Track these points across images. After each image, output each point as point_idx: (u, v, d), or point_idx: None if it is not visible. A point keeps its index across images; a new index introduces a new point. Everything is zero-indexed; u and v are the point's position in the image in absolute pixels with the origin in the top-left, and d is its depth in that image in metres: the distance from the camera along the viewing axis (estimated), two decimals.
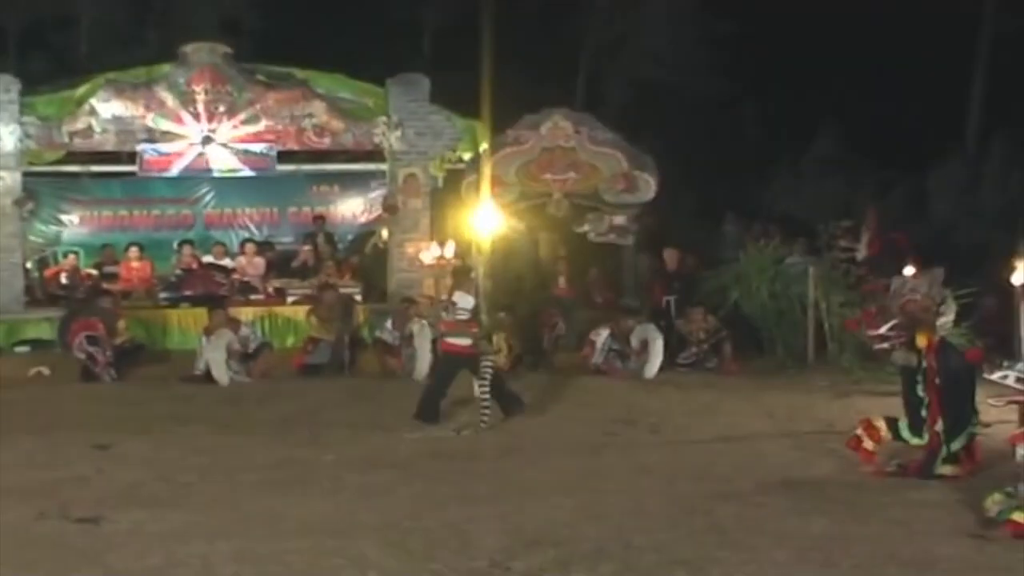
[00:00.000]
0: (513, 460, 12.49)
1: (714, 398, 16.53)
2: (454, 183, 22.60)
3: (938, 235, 25.31)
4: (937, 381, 11.68)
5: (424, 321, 18.58)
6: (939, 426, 11.62)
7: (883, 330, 12.41)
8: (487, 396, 14.47)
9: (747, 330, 19.92)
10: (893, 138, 29.14)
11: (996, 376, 10.22)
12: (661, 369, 18.37)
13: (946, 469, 11.55)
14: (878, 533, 9.60)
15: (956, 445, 11.57)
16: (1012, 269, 13.54)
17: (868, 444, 12.05)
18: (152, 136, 21.98)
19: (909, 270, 16.14)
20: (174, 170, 22.54)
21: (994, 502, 9.88)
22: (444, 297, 15.38)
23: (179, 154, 22.31)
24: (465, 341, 14.97)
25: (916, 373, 11.90)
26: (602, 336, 18.87)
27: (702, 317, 19.43)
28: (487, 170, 21.58)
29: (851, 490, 11.07)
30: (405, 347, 18.66)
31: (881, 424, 12.14)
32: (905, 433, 12.03)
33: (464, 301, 15.08)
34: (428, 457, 12.70)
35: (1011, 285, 13.62)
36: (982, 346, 16.39)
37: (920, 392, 11.85)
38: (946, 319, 11.88)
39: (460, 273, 16.08)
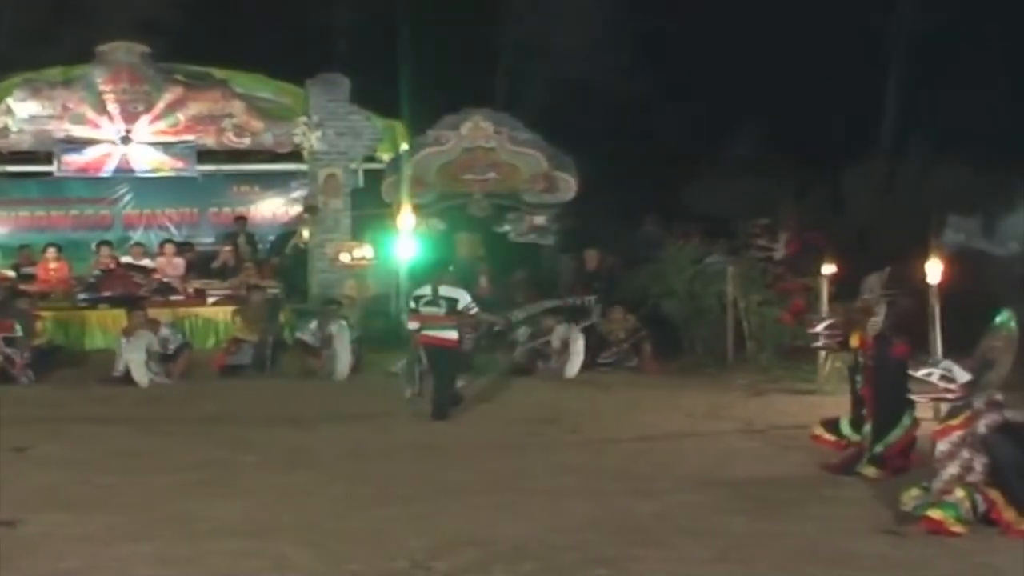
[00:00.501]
0: (434, 460, 12.48)
1: (634, 397, 16.58)
2: (374, 184, 22.54)
3: (856, 235, 25.50)
4: (871, 379, 11.80)
5: (343, 322, 18.52)
6: (867, 427, 11.74)
7: (819, 328, 12.55)
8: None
9: (667, 329, 19.97)
10: (811, 138, 29.32)
11: (921, 373, 10.29)
12: (582, 368, 18.39)
13: (868, 471, 11.65)
14: (796, 530, 9.67)
15: (880, 448, 11.67)
16: (928, 270, 13.67)
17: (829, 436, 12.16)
18: (69, 136, 21.79)
19: (827, 269, 16.33)
20: (91, 170, 22.35)
21: (911, 497, 9.98)
22: (426, 292, 15.33)
23: (97, 154, 22.13)
24: (450, 334, 15.02)
25: (855, 372, 12.04)
26: (524, 336, 18.91)
27: (622, 317, 19.49)
28: (407, 170, 21.60)
29: (770, 488, 11.15)
30: (325, 348, 18.59)
31: (822, 432, 12.19)
32: (846, 429, 12.12)
33: (455, 294, 15.19)
34: (349, 457, 12.66)
35: (927, 285, 13.76)
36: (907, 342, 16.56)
37: (859, 391, 11.97)
38: (877, 318, 11.97)
39: (439, 268, 16.20)
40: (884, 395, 11.71)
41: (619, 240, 25.41)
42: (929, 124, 28.64)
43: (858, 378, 12.01)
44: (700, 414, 15.25)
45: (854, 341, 11.99)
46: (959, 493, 9.60)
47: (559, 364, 18.57)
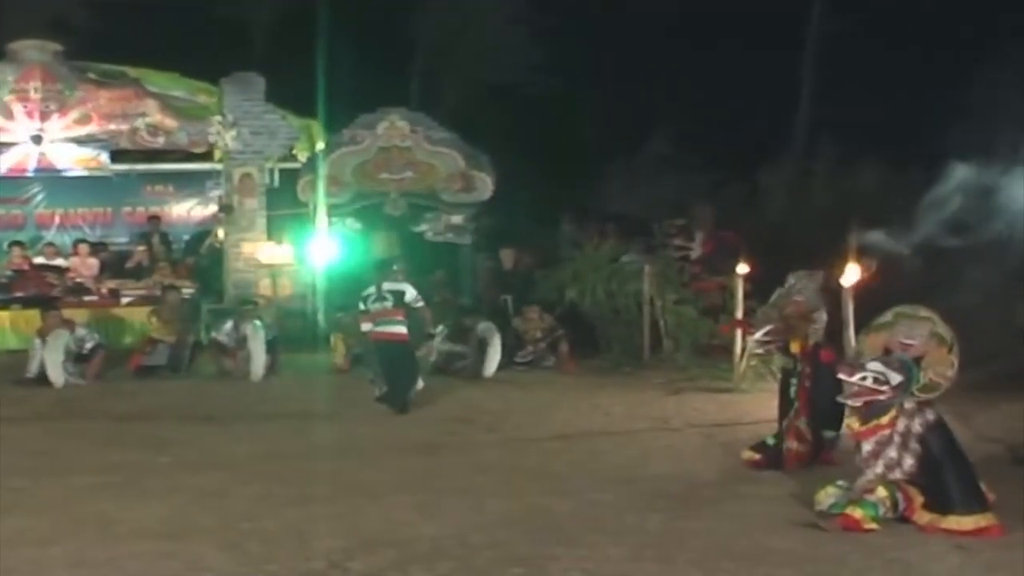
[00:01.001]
0: (351, 460, 12.43)
1: (551, 396, 16.60)
2: (290, 183, 22.45)
3: (770, 234, 25.68)
4: (807, 385, 11.88)
5: (258, 322, 18.43)
6: (801, 422, 11.83)
7: (759, 335, 12.53)
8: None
9: (584, 328, 20.03)
10: (727, 137, 29.49)
11: (856, 378, 10.39)
12: (499, 368, 18.41)
13: (750, 455, 11.98)
14: (712, 528, 9.73)
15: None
16: (842, 270, 13.79)
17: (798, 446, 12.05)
18: None
19: (742, 268, 16.45)
20: (2, 168, 22.10)
21: (827, 495, 10.07)
22: (371, 291, 15.50)
23: (8, 153, 21.88)
24: (399, 329, 15.27)
25: (791, 376, 12.07)
26: (440, 335, 18.89)
27: (538, 316, 19.49)
28: (323, 170, 21.54)
29: (685, 486, 11.20)
30: (240, 348, 18.48)
31: (751, 454, 12.22)
32: (770, 437, 12.19)
33: (400, 287, 15.64)
34: (266, 458, 12.60)
35: (840, 286, 13.89)
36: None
37: (792, 395, 12.01)
38: (818, 326, 12.03)
39: (384, 267, 16.68)
40: (823, 401, 11.79)
41: (536, 239, 25.45)
42: (841, 124, 28.90)
43: (793, 381, 12.05)
44: (617, 413, 15.30)
45: (793, 347, 12.02)
46: (881, 492, 9.70)
47: (476, 363, 18.56)
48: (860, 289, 13.15)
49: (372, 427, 14.37)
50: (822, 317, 12.07)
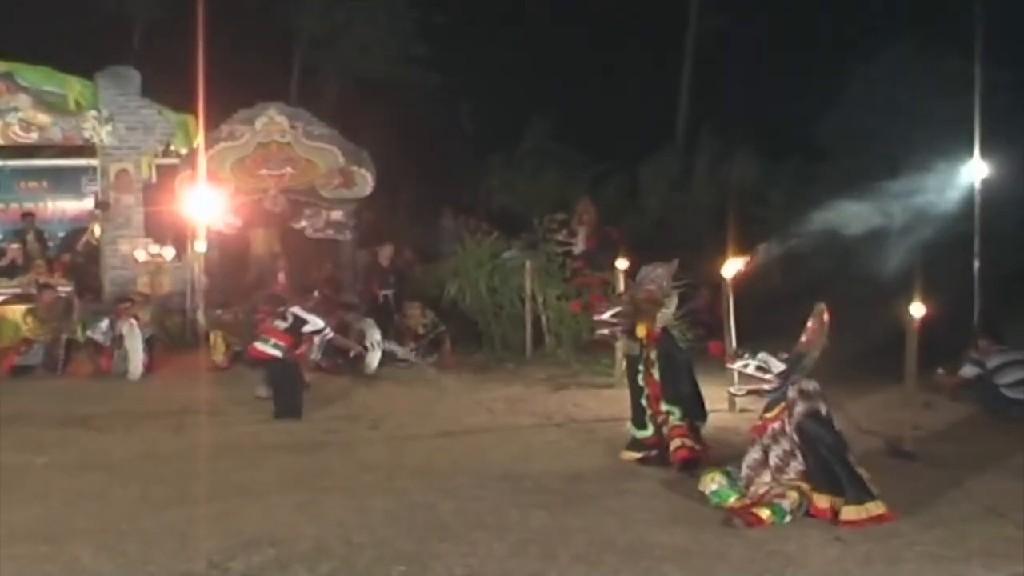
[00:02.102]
0: (231, 460, 12.35)
1: (434, 393, 16.60)
2: (168, 179, 22.22)
3: (652, 229, 25.90)
4: (655, 372, 11.99)
5: (133, 321, 18.21)
6: (663, 406, 11.93)
7: (606, 316, 12.58)
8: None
9: (466, 324, 20.06)
10: (606, 131, 29.67)
11: (737, 365, 10.52)
12: (381, 364, 18.36)
13: (628, 455, 12.10)
14: (595, 524, 9.81)
15: (639, 432, 11.99)
16: (722, 262, 13.97)
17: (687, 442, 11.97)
18: None
19: (622, 263, 16.56)
20: None
21: (712, 480, 10.19)
22: (281, 308, 15.61)
23: None
24: (272, 351, 15.23)
25: (638, 362, 12.20)
26: (321, 332, 18.77)
27: (420, 312, 19.45)
28: (201, 165, 21.31)
29: (568, 482, 11.28)
30: (116, 347, 18.25)
31: (629, 453, 12.27)
32: (631, 429, 12.30)
33: (312, 321, 15.58)
34: (144, 459, 12.47)
35: (722, 278, 14.06)
36: (694, 337, 16.92)
37: (640, 382, 12.15)
38: (667, 311, 12.16)
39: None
40: (674, 384, 11.94)
41: (416, 235, 25.47)
42: (720, 118, 29.22)
43: (639, 368, 12.19)
44: (500, 409, 15.35)
45: (640, 331, 12.12)
46: (793, 496, 9.83)
47: (357, 360, 18.48)
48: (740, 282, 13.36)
49: (253, 426, 14.28)
50: (672, 302, 12.23)
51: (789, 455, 10.06)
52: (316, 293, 16.68)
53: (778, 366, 10.21)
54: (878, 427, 13.27)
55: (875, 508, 9.73)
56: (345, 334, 18.65)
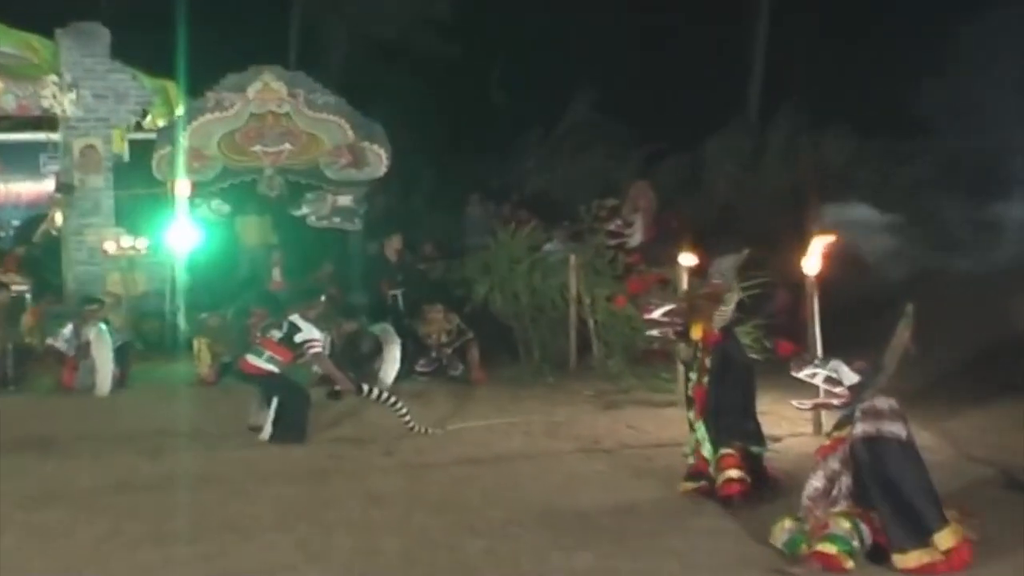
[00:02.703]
0: (218, 490, 12.30)
1: (459, 412, 16.54)
2: (143, 157, 22.24)
3: (718, 216, 25.78)
4: (706, 381, 11.89)
5: (104, 326, 18.19)
6: (699, 432, 11.86)
7: (656, 314, 12.46)
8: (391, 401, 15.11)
9: (498, 331, 20.00)
10: (663, 103, 29.56)
11: (804, 374, 10.42)
12: (397, 378, 18.31)
13: (687, 486, 11.94)
14: (651, 567, 9.74)
15: (712, 457, 11.82)
16: (802, 256, 13.82)
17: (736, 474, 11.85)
18: None
19: (686, 258, 16.42)
20: None
21: (783, 529, 10.06)
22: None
23: None
24: (267, 365, 15.09)
25: (689, 369, 12.12)
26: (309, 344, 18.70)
27: (443, 316, 19.36)
28: (184, 141, 21.33)
29: (621, 518, 11.19)
30: (81, 357, 18.23)
31: (689, 484, 12.15)
32: (685, 449, 12.20)
33: (307, 330, 15.20)
34: (114, 489, 12.43)
35: (804, 275, 13.93)
36: (772, 346, 16.78)
37: (689, 392, 12.08)
38: (726, 308, 12.02)
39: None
40: (725, 399, 11.84)
41: (438, 225, 25.42)
42: (801, 87, 29.07)
43: (691, 376, 12.10)
44: (538, 432, 15.26)
45: (695, 332, 12.03)
46: (843, 524, 9.70)
47: (368, 372, 18.44)
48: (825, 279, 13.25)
49: (244, 451, 14.23)
50: (732, 299, 12.08)
51: (845, 485, 9.95)
52: (323, 298, 16.61)
53: (851, 378, 10.10)
54: (990, 452, 13.13)
55: (924, 556, 9.58)
56: (352, 343, 18.63)
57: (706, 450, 11.85)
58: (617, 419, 15.87)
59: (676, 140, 28.32)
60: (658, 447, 14.05)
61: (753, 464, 11.83)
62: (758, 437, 12.00)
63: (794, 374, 10.36)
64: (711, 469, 11.77)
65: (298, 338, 15.18)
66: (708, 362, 11.93)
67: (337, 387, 16.33)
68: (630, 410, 16.40)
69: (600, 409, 16.62)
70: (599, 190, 22.33)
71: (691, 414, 12.10)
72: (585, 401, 17.17)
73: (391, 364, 18.29)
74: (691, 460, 12.09)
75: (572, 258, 19.54)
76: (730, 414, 11.81)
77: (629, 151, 28.97)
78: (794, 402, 10.99)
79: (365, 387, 15.40)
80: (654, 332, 12.89)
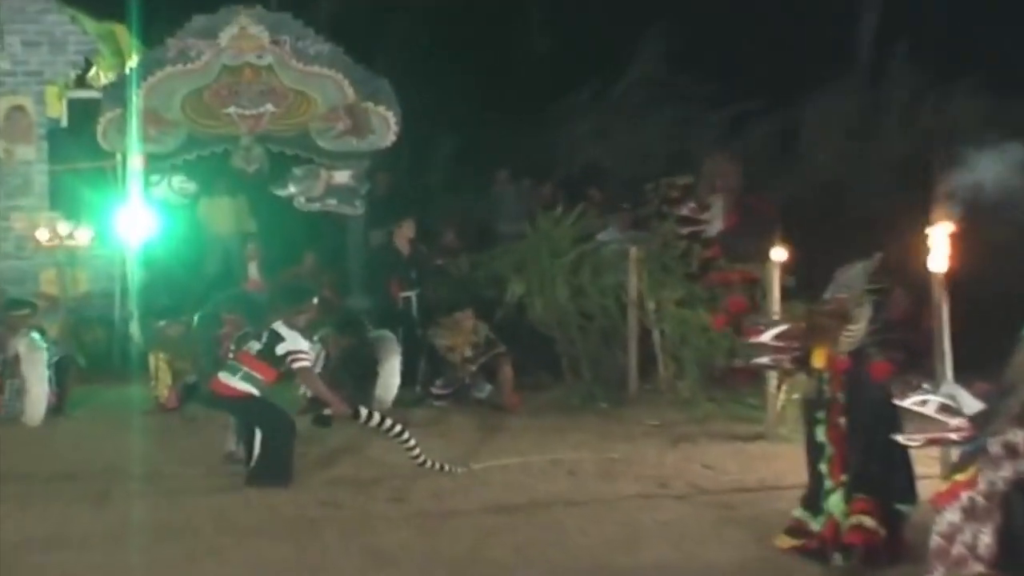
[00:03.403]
0: (180, 547, 12.30)
1: (488, 446, 16.56)
2: (85, 121, 22.28)
3: (820, 197, 25.71)
4: (842, 421, 11.73)
5: (36, 336, 18.19)
6: (832, 500, 11.71)
7: (766, 337, 12.33)
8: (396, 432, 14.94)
9: (537, 343, 20.00)
10: (749, 55, 29.51)
11: (910, 402, 10.33)
12: (412, 402, 18.33)
13: (786, 541, 11.87)
14: None
15: (835, 504, 11.71)
16: (926, 248, 13.68)
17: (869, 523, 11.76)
18: None
19: (777, 252, 16.39)
20: None
21: None
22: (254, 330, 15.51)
23: None
24: (244, 385, 14.96)
25: (817, 407, 11.92)
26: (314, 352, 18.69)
27: (470, 325, 19.37)
28: (138, 101, 21.35)
29: None
30: (7, 376, 18.25)
31: (787, 540, 12.07)
32: (799, 512, 12.07)
33: (291, 339, 14.98)
34: (47, 545, 12.42)
35: (929, 273, 13.78)
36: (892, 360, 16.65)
37: (820, 436, 11.87)
38: (856, 328, 11.83)
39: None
40: (865, 442, 11.70)
41: (461, 208, 25.40)
42: (924, 36, 28.98)
43: (819, 416, 11.94)
44: (588, 471, 15.28)
45: (818, 360, 11.88)
46: None
47: (371, 392, 18.44)
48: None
49: (215, 496, 14.23)
50: (863, 315, 11.91)
51: (975, 542, 9.86)
52: (316, 300, 16.45)
53: (972, 405, 10.00)
54: None
55: None
56: (355, 361, 18.62)
57: (834, 505, 11.71)
58: (689, 456, 15.90)
59: (766, 101, 28.25)
60: (742, 492, 14.05)
61: (893, 520, 11.71)
62: (908, 491, 11.82)
63: (897, 403, 10.27)
64: (837, 519, 11.67)
65: (280, 349, 15.02)
66: (840, 396, 11.77)
67: (327, 410, 16.21)
68: (706, 445, 16.45)
69: (667, 443, 16.66)
70: (668, 164, 22.30)
71: (823, 466, 11.92)
72: (648, 433, 17.21)
73: (390, 379, 18.30)
74: (814, 526, 11.94)
75: (632, 251, 19.53)
76: (872, 461, 11.66)
77: (707, 115, 28.89)
78: (900, 438, 10.89)
79: (363, 411, 15.19)
80: (763, 360, 12.79)
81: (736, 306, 17.07)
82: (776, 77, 28.18)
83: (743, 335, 13.52)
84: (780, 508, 12.67)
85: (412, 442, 14.92)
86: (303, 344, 15.13)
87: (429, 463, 14.83)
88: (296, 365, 15.05)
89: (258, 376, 14.92)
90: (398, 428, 15.00)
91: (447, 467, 14.95)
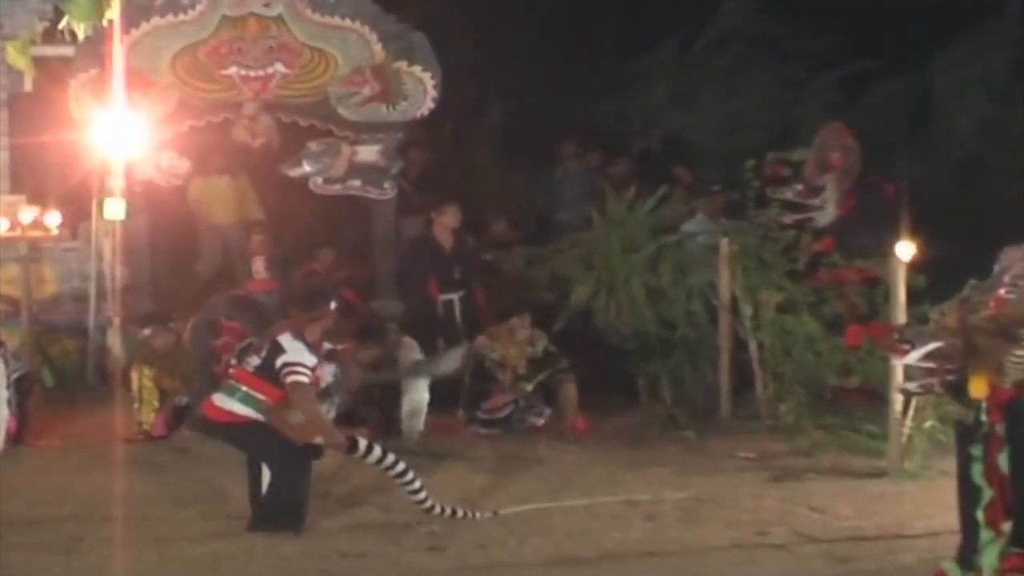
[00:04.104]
0: None
1: (546, 483, 16.58)
2: (54, 84, 22.39)
3: (958, 176, 25.65)
4: (1002, 461, 11.69)
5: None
6: (989, 556, 11.70)
7: (914, 357, 12.27)
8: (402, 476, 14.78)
9: (608, 356, 20.02)
10: (867, 3, 29.47)
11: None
12: (451, 428, 18.38)
13: None
14: None
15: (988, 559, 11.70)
16: None
17: None
18: None
19: (904, 247, 16.37)
20: None
21: None
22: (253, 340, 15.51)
23: None
24: (243, 409, 14.94)
25: (971, 441, 11.88)
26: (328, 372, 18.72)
27: (527, 335, 19.39)
28: (120, 61, 21.43)
29: None
30: None
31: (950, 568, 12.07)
32: (949, 567, 12.06)
33: (292, 351, 14.96)
34: None
35: None
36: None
37: (977, 478, 11.84)
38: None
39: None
40: None
41: (515, 192, 25.41)
42: None
43: (975, 453, 11.91)
44: (668, 514, 15.30)
45: (977, 388, 11.80)
46: None
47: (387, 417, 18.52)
48: None
49: (211, 543, 14.27)
50: None
51: None
52: (334, 305, 16.42)
53: None
54: None
55: None
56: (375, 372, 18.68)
57: (988, 561, 11.69)
58: (793, 496, 15.91)
59: (890, 58, 28.20)
60: (858, 541, 14.03)
61: None
62: None
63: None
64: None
65: (278, 362, 14.98)
66: (1000, 430, 11.72)
67: (318, 439, 15.65)
68: (813, 483, 16.47)
69: (767, 480, 16.70)
70: (768, 137, 22.26)
71: (979, 513, 11.90)
72: (742, 468, 17.24)
73: (416, 401, 18.29)
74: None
75: (724, 243, 19.51)
76: None
77: (816, 76, 28.87)
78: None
79: (362, 443, 14.96)
80: (909, 386, 12.79)
81: (880, 330, 16.96)
82: (903, 29, 28.18)
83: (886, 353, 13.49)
84: (906, 562, 12.72)
85: (417, 484, 14.73)
86: (306, 358, 15.04)
87: (439, 509, 14.75)
88: (289, 379, 14.78)
89: (259, 396, 14.79)
90: (401, 467, 14.77)
91: (468, 513, 14.90)
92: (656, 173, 22.74)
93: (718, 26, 30.36)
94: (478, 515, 14.89)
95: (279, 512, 14.58)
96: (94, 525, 14.75)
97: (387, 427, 18.24)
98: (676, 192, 21.24)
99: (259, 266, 21.20)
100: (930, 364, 11.96)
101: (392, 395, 18.58)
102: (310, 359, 14.88)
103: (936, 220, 16.47)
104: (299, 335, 14.84)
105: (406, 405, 18.28)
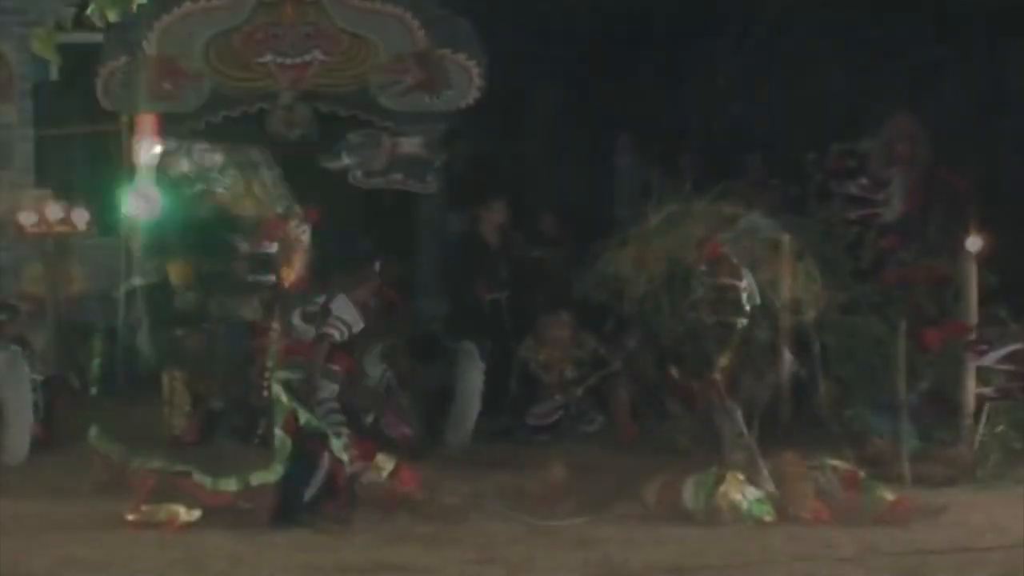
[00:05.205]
0: None
1: (597, 494, 16.54)
2: (82, 74, 22.43)
3: None
4: None
5: (17, 348, 18.30)
6: None
7: (993, 359, 12.30)
8: None
9: (661, 361, 19.99)
10: None
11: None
12: (495, 435, 18.35)
13: None
14: None
15: None
16: None
17: None
18: None
19: (973, 242, 16.36)
20: None
21: None
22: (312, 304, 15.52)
23: None
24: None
25: None
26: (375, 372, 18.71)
27: (571, 335, 19.34)
28: (150, 48, 21.47)
29: None
30: None
31: None
32: None
33: (344, 311, 15.08)
34: None
35: None
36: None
37: None
38: None
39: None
40: None
41: (565, 186, 25.41)
42: None
43: None
44: (729, 524, 15.24)
45: None
46: None
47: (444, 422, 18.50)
48: None
49: (233, 543, 14.27)
50: None
51: None
52: (378, 267, 16.49)
53: None
54: None
55: None
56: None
57: None
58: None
59: (963, 44, 28.18)
60: (928, 554, 13.98)
61: None
62: None
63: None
64: None
65: (327, 327, 15.09)
66: None
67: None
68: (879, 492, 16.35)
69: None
70: (833, 128, 22.23)
71: None
72: (804, 475, 17.12)
73: (466, 408, 18.24)
74: None
75: (786, 240, 19.48)
76: None
77: (883, 63, 28.82)
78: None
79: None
80: (986, 391, 12.81)
81: (956, 329, 16.91)
82: (978, 12, 28.12)
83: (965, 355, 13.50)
84: None
85: None
86: (350, 316, 15.21)
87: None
88: (324, 330, 15.27)
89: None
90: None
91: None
92: (717, 165, 22.68)
93: (778, 10, 30.35)
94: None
95: (297, 507, 14.64)
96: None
97: (425, 440, 18.17)
98: (741, 186, 21.17)
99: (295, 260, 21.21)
100: (1009, 367, 12.00)
101: (437, 401, 18.55)
102: (357, 321, 15.25)
103: (1010, 216, 16.42)
104: (355, 297, 15.07)
105: (456, 413, 18.20)
